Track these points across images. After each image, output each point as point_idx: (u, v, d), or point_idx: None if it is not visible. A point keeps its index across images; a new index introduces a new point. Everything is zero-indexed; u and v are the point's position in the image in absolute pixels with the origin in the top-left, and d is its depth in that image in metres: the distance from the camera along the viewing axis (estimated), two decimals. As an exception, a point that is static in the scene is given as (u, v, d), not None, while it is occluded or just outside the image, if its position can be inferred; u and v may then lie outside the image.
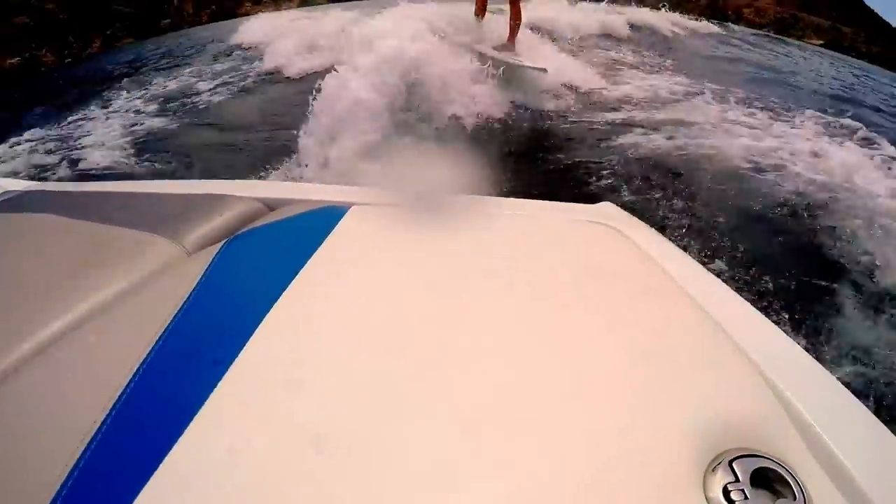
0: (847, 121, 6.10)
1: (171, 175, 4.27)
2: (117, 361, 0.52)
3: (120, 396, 0.47)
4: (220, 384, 0.46)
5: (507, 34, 6.16)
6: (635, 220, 0.76)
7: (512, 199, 0.88)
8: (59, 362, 0.55)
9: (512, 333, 0.52)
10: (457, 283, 0.60)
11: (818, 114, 6.36)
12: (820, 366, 0.52)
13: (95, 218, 0.91)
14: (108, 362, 0.53)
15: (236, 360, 0.49)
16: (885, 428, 0.46)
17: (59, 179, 4.19)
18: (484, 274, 0.62)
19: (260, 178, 4.19)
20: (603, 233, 0.72)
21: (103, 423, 0.45)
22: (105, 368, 0.52)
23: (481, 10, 6.36)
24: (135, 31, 32.36)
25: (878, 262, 3.12)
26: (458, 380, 0.46)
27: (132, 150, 5.40)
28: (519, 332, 0.52)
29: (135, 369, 0.50)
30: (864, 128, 5.67)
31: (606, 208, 0.79)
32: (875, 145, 5.46)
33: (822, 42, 64.80)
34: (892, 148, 5.34)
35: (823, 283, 2.95)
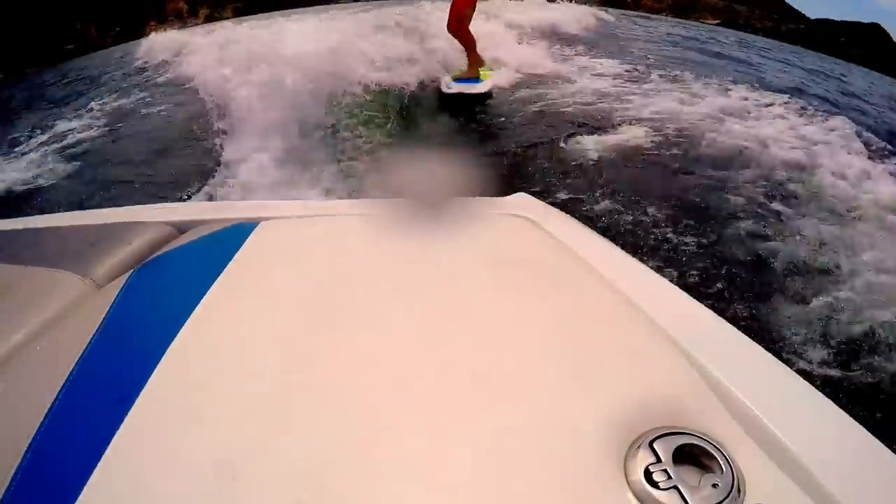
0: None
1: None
2: (26, 408, 0.50)
3: (29, 445, 0.46)
4: (124, 422, 0.45)
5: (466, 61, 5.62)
6: (550, 208, 0.76)
7: (427, 199, 0.87)
8: None
9: (424, 333, 0.52)
10: (365, 287, 0.59)
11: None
12: (747, 338, 0.52)
13: (1, 258, 0.90)
14: (16, 410, 0.52)
15: (140, 395, 0.47)
16: (816, 392, 0.46)
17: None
18: (394, 276, 0.61)
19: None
20: (517, 224, 0.71)
21: (14, 474, 0.44)
22: (12, 418, 0.51)
23: (458, 23, 5.43)
24: (39, 59, 31.86)
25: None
26: (370, 384, 0.45)
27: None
28: (432, 330, 0.52)
29: (42, 415, 0.48)
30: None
31: (521, 199, 0.79)
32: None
33: (717, 21, 69.85)
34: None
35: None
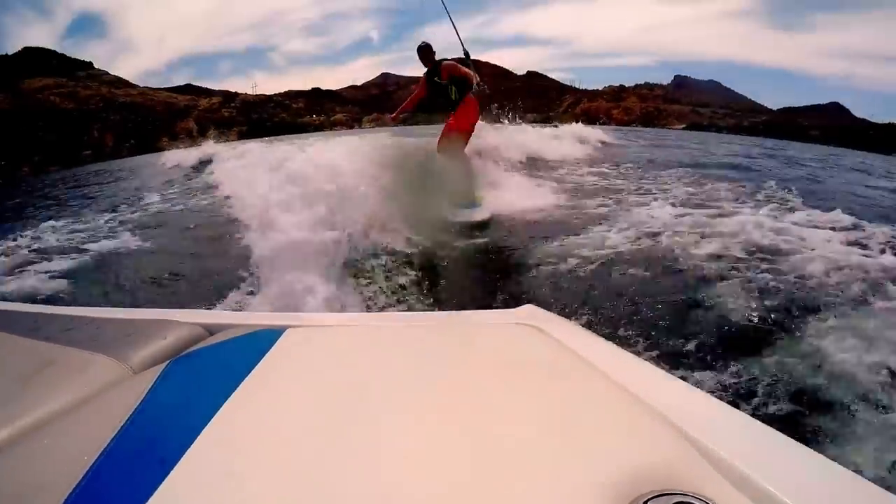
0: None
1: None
2: (67, 465, 0.54)
3: (72, 492, 0.50)
4: (165, 480, 0.49)
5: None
6: (556, 317, 0.80)
7: (444, 312, 0.93)
8: (7, 468, 0.58)
9: (438, 425, 0.55)
10: (386, 391, 0.63)
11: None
12: (732, 408, 0.56)
13: (41, 337, 0.96)
14: (58, 466, 0.55)
15: (181, 458, 0.52)
16: (799, 444, 0.49)
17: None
18: (413, 381, 0.65)
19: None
20: (525, 332, 0.76)
21: None
22: (54, 472, 0.54)
23: (454, 137, 5.53)
24: (60, 160, 34.90)
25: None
26: (387, 471, 0.48)
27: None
28: (445, 423, 0.55)
29: (84, 473, 0.53)
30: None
31: (528, 310, 0.83)
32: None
33: (683, 126, 76.59)
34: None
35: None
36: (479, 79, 5.42)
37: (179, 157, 15.10)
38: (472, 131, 5.69)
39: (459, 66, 5.35)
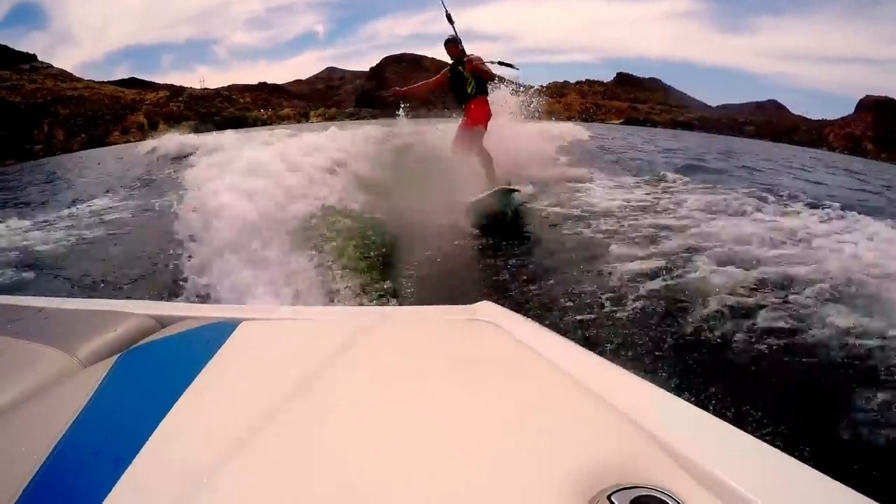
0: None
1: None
2: (17, 462, 0.53)
3: (23, 492, 0.48)
4: (121, 479, 0.48)
5: (487, 180, 5.44)
6: (511, 313, 0.80)
7: (400, 307, 0.96)
8: None
9: (396, 418, 0.54)
10: (342, 384, 0.62)
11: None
12: (687, 403, 0.56)
13: None
14: (7, 464, 0.54)
15: (136, 457, 0.50)
16: (752, 438, 0.50)
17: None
18: (370, 377, 0.65)
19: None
20: (480, 328, 0.76)
21: None
22: (4, 469, 0.53)
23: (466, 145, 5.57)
24: (13, 153, 35.99)
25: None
26: (347, 473, 0.47)
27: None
28: (403, 416, 0.55)
29: (36, 469, 0.51)
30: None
31: (485, 307, 0.83)
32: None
33: (621, 121, 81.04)
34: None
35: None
36: (493, 76, 5.51)
37: (166, 146, 14.61)
38: (486, 127, 5.59)
39: (484, 63, 5.35)
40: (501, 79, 6.77)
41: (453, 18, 5.49)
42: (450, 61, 5.40)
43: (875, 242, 3.99)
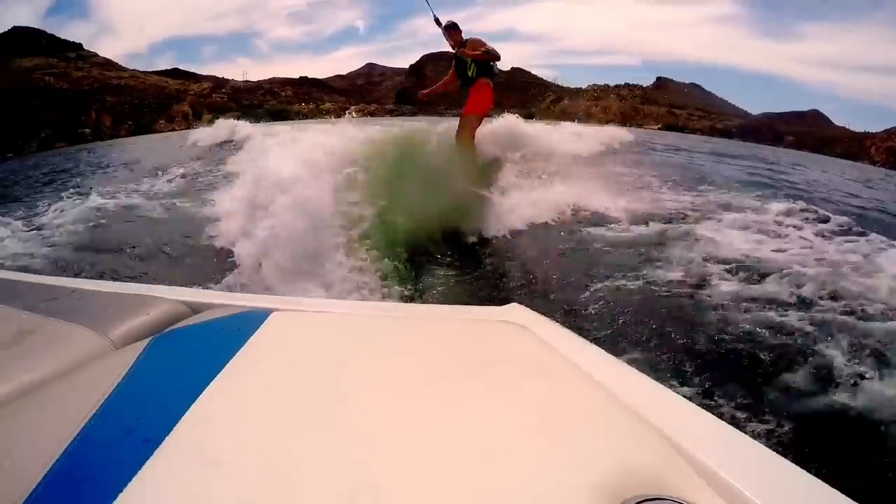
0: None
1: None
2: (47, 438, 0.53)
3: (51, 469, 0.49)
4: (150, 458, 0.49)
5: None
6: (541, 317, 0.80)
7: (430, 306, 0.98)
8: None
9: (422, 420, 0.55)
10: (370, 380, 0.63)
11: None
12: (712, 416, 0.56)
13: (22, 305, 0.95)
14: (38, 438, 0.55)
15: (166, 439, 0.51)
16: (777, 455, 0.50)
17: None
18: (398, 374, 0.65)
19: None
20: (510, 330, 0.76)
21: (34, 491, 0.47)
22: (35, 443, 0.54)
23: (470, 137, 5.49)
24: (64, 137, 36.38)
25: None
26: (372, 469, 0.47)
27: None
28: (429, 418, 0.55)
29: (66, 444, 0.52)
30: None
31: (514, 309, 0.83)
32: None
33: (658, 126, 79.78)
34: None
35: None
36: (496, 55, 5.17)
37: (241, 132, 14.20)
38: (483, 118, 5.47)
39: (482, 42, 5.14)
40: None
41: (441, 21, 5.25)
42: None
43: None
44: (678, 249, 4.08)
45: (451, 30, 5.18)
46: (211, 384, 0.61)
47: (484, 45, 5.08)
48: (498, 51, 5.11)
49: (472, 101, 5.30)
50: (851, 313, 2.88)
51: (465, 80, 5.26)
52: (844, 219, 5.66)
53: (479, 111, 5.40)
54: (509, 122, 8.57)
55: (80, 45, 67.27)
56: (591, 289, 3.30)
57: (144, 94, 56.27)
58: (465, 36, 5.24)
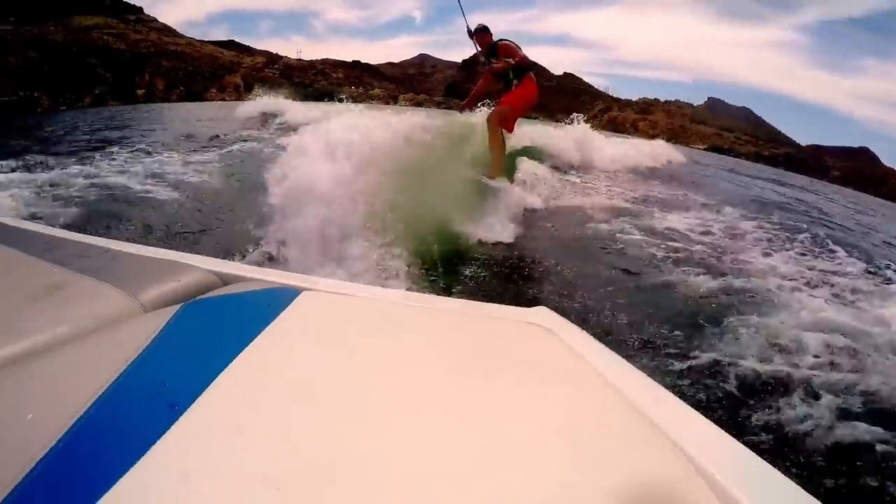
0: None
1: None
2: (71, 395, 0.53)
3: (74, 425, 0.49)
4: (175, 424, 0.49)
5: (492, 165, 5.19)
6: (566, 322, 0.80)
7: (458, 300, 0.94)
8: (13, 387, 0.57)
9: (441, 413, 0.55)
10: (393, 368, 0.63)
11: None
12: (730, 437, 0.57)
13: (54, 260, 0.94)
14: (63, 395, 0.55)
15: (191, 405, 0.51)
16: (786, 479, 0.51)
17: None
18: (420, 364, 0.65)
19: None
20: (538, 333, 0.75)
21: (56, 444, 0.47)
22: (58, 399, 0.54)
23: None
24: (118, 96, 36.98)
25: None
26: (388, 459, 0.48)
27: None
28: (448, 412, 0.55)
29: (90, 403, 0.52)
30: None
31: (541, 312, 0.82)
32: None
33: (704, 147, 77.94)
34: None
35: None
36: (528, 62, 5.13)
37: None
38: (522, 114, 5.45)
39: (514, 47, 5.10)
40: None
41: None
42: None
43: None
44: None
45: (483, 33, 5.22)
46: (239, 356, 0.61)
47: (516, 52, 5.06)
48: (530, 59, 5.14)
49: (517, 93, 5.23)
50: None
51: (507, 83, 5.26)
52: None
53: (522, 104, 5.33)
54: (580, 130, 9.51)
55: (140, 9, 68.15)
56: (621, 300, 3.21)
57: (199, 62, 56.34)
58: (496, 37, 5.25)
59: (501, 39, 5.23)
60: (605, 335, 2.72)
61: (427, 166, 4.48)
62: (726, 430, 0.56)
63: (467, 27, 5.30)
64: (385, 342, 0.71)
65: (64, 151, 7.86)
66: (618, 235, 4.87)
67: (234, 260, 2.78)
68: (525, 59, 5.08)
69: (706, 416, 0.59)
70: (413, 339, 0.73)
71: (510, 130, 5.42)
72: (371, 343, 0.70)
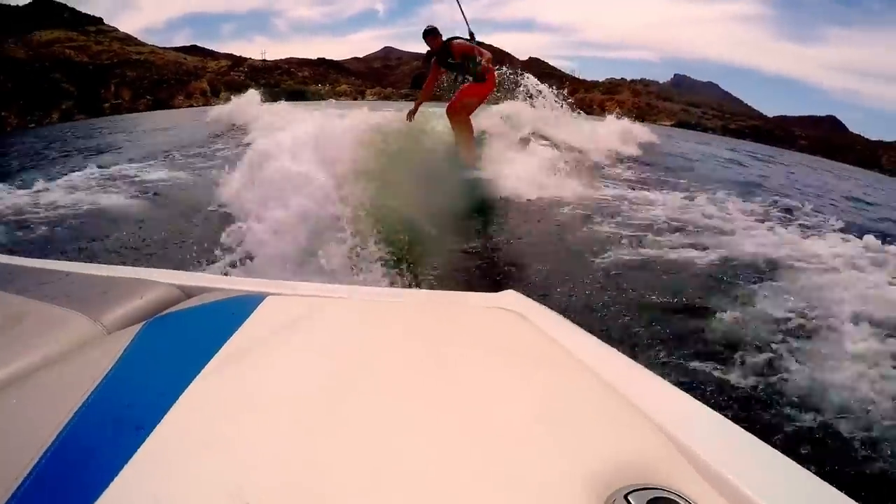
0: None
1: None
2: (38, 426, 0.53)
3: (42, 457, 0.48)
4: (142, 446, 0.48)
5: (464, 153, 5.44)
6: (536, 304, 0.80)
7: (425, 291, 0.96)
8: None
9: (418, 406, 0.54)
10: (365, 364, 0.62)
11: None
12: (708, 408, 0.56)
13: (13, 289, 0.93)
14: (29, 426, 0.54)
15: (157, 426, 0.50)
16: (770, 448, 0.50)
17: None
18: (393, 359, 0.64)
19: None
20: (505, 317, 0.75)
21: (25, 478, 0.46)
22: (25, 431, 0.53)
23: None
24: (84, 110, 37.13)
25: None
26: (367, 454, 0.47)
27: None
28: (424, 404, 0.55)
29: (57, 433, 0.51)
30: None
31: (509, 296, 0.82)
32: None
33: (672, 123, 79.48)
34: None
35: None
36: (489, 57, 5.33)
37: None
38: (483, 102, 5.84)
39: (470, 45, 5.39)
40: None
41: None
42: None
43: None
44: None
45: (433, 35, 5.57)
46: (203, 370, 0.61)
47: (472, 48, 5.35)
48: (486, 52, 5.37)
49: (488, 87, 5.62)
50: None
51: (471, 74, 5.54)
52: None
53: (486, 96, 5.77)
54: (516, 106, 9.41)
55: (100, 20, 67.72)
56: (588, 277, 3.31)
57: (163, 69, 56.57)
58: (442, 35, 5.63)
59: (452, 38, 5.50)
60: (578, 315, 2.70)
61: (399, 160, 4.51)
62: (708, 405, 0.56)
63: (426, 28, 5.63)
64: (354, 340, 0.70)
65: (29, 168, 8.27)
66: (593, 217, 4.89)
67: (199, 270, 2.86)
68: (491, 57, 5.35)
69: (690, 394, 0.59)
70: (382, 335, 0.72)
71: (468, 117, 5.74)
72: (339, 342, 0.69)
